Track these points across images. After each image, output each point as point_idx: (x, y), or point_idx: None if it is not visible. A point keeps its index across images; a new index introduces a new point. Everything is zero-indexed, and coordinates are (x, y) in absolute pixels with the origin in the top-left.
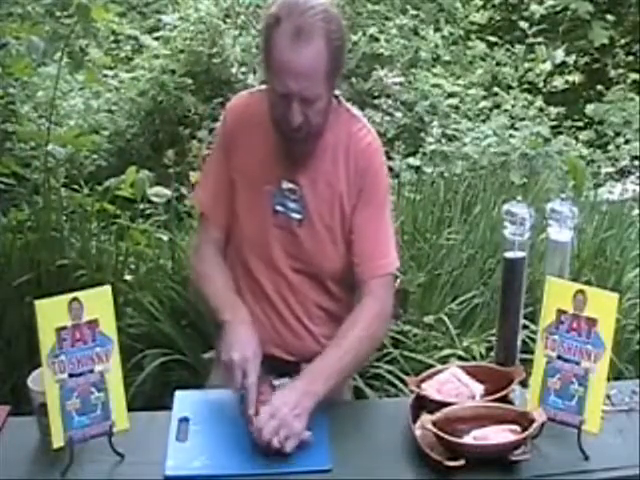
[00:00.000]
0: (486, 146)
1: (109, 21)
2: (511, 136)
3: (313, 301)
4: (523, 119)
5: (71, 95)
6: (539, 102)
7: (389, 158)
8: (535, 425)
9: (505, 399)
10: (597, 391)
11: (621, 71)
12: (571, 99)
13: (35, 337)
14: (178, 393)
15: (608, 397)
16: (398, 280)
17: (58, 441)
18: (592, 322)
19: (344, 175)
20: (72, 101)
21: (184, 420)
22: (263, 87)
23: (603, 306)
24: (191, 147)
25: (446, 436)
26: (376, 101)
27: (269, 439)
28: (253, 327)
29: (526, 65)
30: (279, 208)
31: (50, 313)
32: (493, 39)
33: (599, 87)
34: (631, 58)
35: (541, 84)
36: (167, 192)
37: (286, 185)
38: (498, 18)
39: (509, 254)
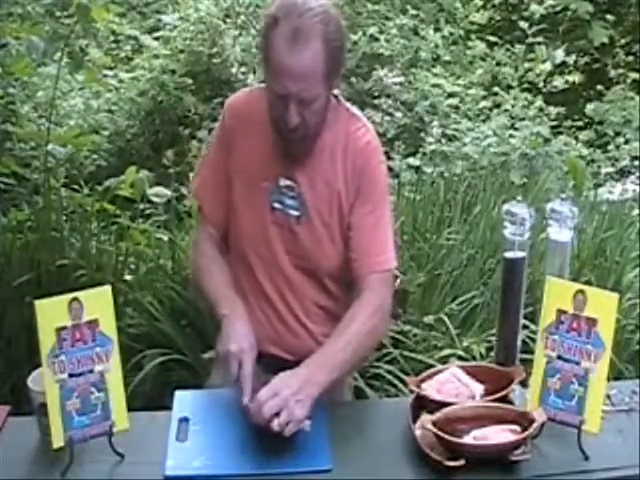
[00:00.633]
0: (486, 146)
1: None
2: (511, 136)
3: (311, 299)
4: (523, 119)
5: (71, 95)
6: (539, 102)
7: (389, 158)
8: (535, 425)
9: (505, 399)
10: (597, 391)
11: (621, 71)
12: (571, 99)
13: (35, 337)
14: (178, 393)
15: (608, 397)
16: (398, 280)
17: (58, 441)
18: (592, 322)
19: (342, 173)
20: (72, 101)
21: (184, 420)
22: (263, 85)
23: (603, 306)
24: (191, 147)
25: (446, 436)
26: (376, 101)
27: (269, 418)
28: (249, 322)
29: (526, 65)
30: (277, 205)
31: (50, 313)
32: (493, 39)
33: (599, 87)
34: (631, 58)
35: (541, 84)
36: (167, 192)
37: (284, 182)
38: (498, 18)
39: (509, 254)
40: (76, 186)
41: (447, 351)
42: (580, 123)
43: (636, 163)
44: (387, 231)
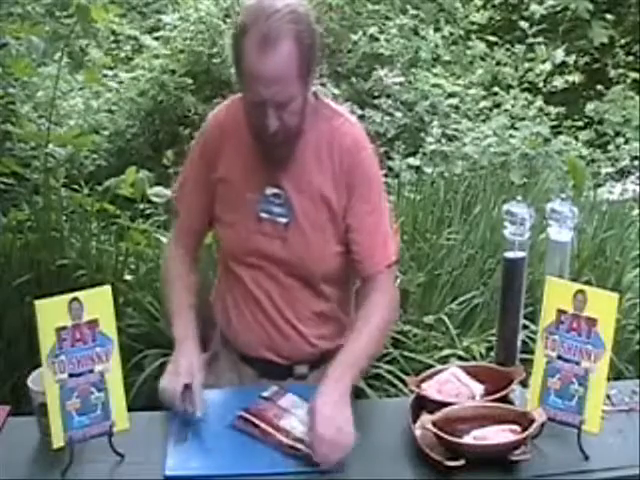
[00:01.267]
0: (486, 146)
1: (109, 21)
2: (511, 136)
3: (304, 304)
4: (523, 119)
5: (71, 95)
6: (539, 102)
7: (389, 158)
8: (535, 425)
9: (505, 399)
10: (597, 391)
11: (621, 71)
12: (571, 99)
13: (35, 337)
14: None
15: (608, 397)
16: (398, 280)
17: (58, 441)
18: (592, 322)
19: (330, 172)
20: (72, 101)
21: (184, 420)
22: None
23: (603, 306)
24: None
25: (446, 436)
26: (376, 101)
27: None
28: (195, 346)
29: (526, 65)
30: (264, 215)
31: (50, 313)
32: (493, 39)
33: (599, 87)
34: (631, 58)
35: (541, 84)
36: (167, 192)
37: (270, 191)
38: (498, 18)
39: (509, 254)
40: (76, 186)
41: (447, 351)
42: (580, 123)
43: (636, 163)
44: (387, 225)
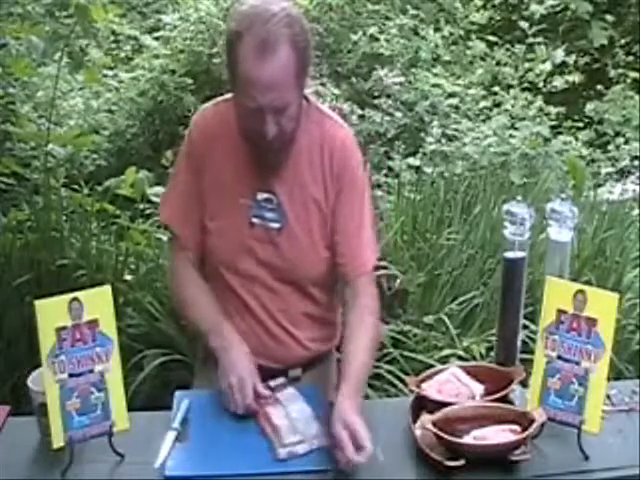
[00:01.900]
0: (486, 146)
1: (109, 21)
2: (511, 136)
3: (296, 308)
4: (523, 119)
5: (71, 95)
6: (539, 102)
7: (389, 158)
8: (535, 425)
9: (505, 399)
10: (597, 391)
11: (621, 71)
12: (571, 99)
13: (35, 337)
14: (178, 393)
15: (608, 397)
16: (398, 280)
17: (58, 441)
18: (592, 322)
19: (320, 175)
20: (72, 101)
21: (184, 420)
22: (228, 96)
23: (603, 306)
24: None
25: (446, 436)
26: (376, 101)
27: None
28: (244, 347)
29: (526, 65)
30: (256, 221)
31: (50, 313)
32: (493, 39)
33: (599, 87)
34: (631, 58)
35: (541, 84)
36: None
37: (262, 196)
38: (498, 18)
39: (509, 254)
40: (76, 186)
41: (447, 351)
42: (580, 123)
43: (636, 163)
44: (369, 228)
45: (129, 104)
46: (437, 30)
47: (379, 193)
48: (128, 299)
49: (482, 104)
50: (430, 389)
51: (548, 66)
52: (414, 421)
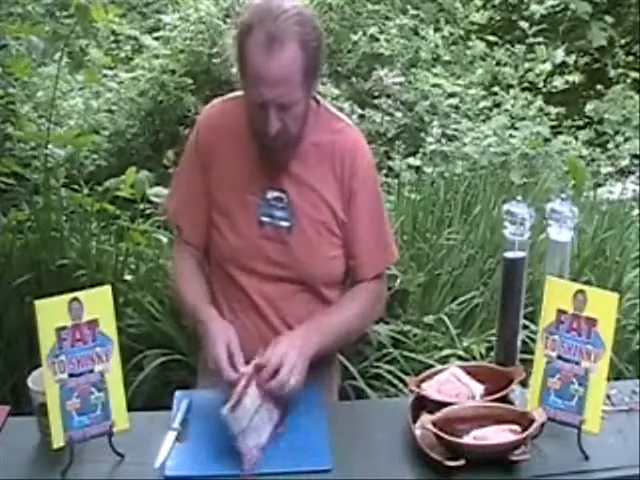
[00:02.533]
0: (486, 146)
1: (109, 21)
2: (511, 136)
3: (304, 307)
4: (523, 119)
5: (71, 95)
6: (539, 102)
7: (389, 158)
8: (535, 425)
9: (505, 399)
10: (597, 391)
11: (621, 71)
12: (571, 99)
13: (35, 337)
14: (178, 393)
15: (608, 397)
16: (398, 280)
17: (58, 441)
18: (592, 322)
19: (331, 176)
20: (72, 101)
21: (184, 420)
22: (237, 94)
23: (603, 306)
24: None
25: (446, 436)
26: (376, 101)
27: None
28: (224, 321)
29: (526, 65)
30: (265, 219)
31: (50, 313)
32: (493, 39)
33: (599, 87)
34: (631, 58)
35: (541, 84)
36: (167, 192)
37: (271, 194)
38: (498, 18)
39: (509, 254)
40: (76, 186)
41: (447, 351)
42: (580, 123)
43: (636, 162)
44: (386, 228)
45: (129, 104)
46: (437, 30)
47: None
48: (128, 299)
49: (482, 104)
50: (430, 389)
51: (548, 66)
52: (414, 421)
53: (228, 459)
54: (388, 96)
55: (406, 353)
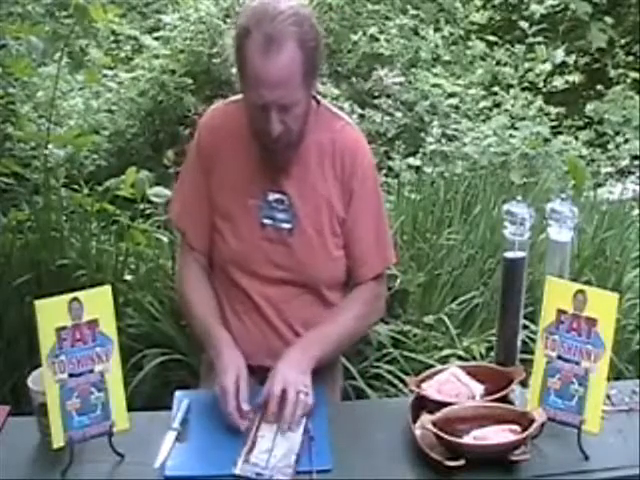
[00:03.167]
0: (486, 146)
1: (109, 21)
2: (511, 136)
3: (306, 309)
4: (523, 119)
5: (71, 95)
6: (539, 102)
7: (389, 158)
8: (535, 425)
9: (505, 399)
10: (597, 391)
11: (621, 71)
12: (571, 99)
13: (35, 337)
14: (178, 393)
15: (608, 397)
16: (398, 280)
17: (58, 441)
18: (592, 322)
19: (332, 175)
20: (72, 101)
21: (184, 420)
22: (239, 97)
23: (603, 306)
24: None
25: (446, 436)
26: (376, 101)
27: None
28: (236, 348)
29: (526, 65)
30: (267, 221)
31: (50, 313)
32: (493, 39)
33: (599, 87)
34: (631, 58)
35: (541, 84)
36: (167, 192)
37: (273, 196)
38: (498, 18)
39: (509, 254)
40: (76, 186)
41: (447, 351)
42: (580, 123)
43: (636, 163)
44: (385, 229)
45: (129, 104)
46: (437, 30)
47: None
48: (128, 299)
49: (482, 104)
50: (430, 389)
51: (548, 66)
52: (414, 421)
53: (228, 459)
54: (388, 96)
55: (406, 353)
